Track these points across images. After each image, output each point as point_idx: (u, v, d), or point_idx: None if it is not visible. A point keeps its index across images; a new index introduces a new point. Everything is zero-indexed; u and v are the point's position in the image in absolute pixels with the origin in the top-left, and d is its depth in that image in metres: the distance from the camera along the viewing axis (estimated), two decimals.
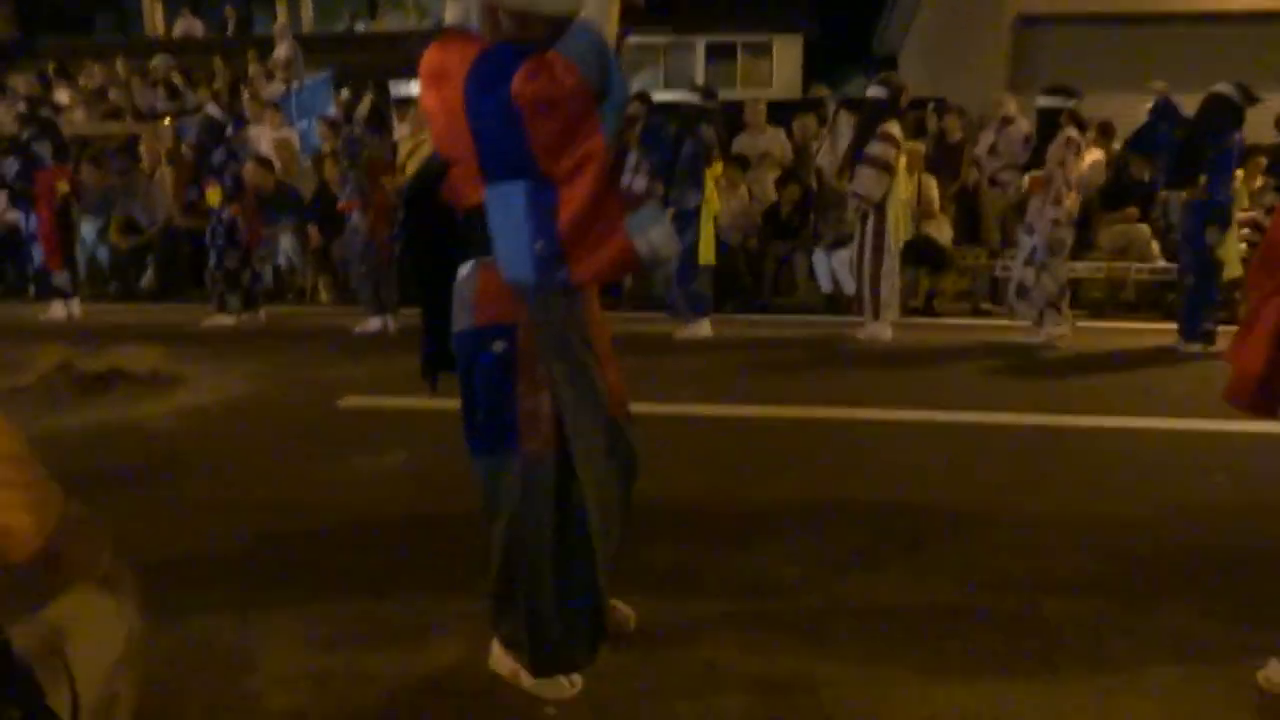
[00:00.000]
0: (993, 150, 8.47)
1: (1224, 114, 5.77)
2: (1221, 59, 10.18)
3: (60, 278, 7.48)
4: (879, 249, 6.18)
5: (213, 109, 7.19)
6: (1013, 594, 2.47)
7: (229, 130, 6.95)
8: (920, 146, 8.20)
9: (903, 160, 6.29)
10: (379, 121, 6.60)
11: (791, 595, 2.47)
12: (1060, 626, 2.28)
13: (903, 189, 6.36)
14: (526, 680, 1.96)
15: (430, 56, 1.76)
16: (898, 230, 6.32)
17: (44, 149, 7.23)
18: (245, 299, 7.13)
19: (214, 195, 6.93)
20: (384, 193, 6.55)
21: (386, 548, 2.82)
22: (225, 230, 6.97)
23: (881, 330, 6.30)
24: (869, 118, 6.15)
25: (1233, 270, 6.15)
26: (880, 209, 6.15)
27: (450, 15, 1.86)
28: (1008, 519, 3.03)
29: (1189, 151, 5.89)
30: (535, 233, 1.68)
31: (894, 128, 6.10)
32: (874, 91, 6.20)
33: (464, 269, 1.86)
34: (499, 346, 1.82)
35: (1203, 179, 5.83)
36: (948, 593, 2.48)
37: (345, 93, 6.75)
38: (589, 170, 1.65)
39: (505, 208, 1.71)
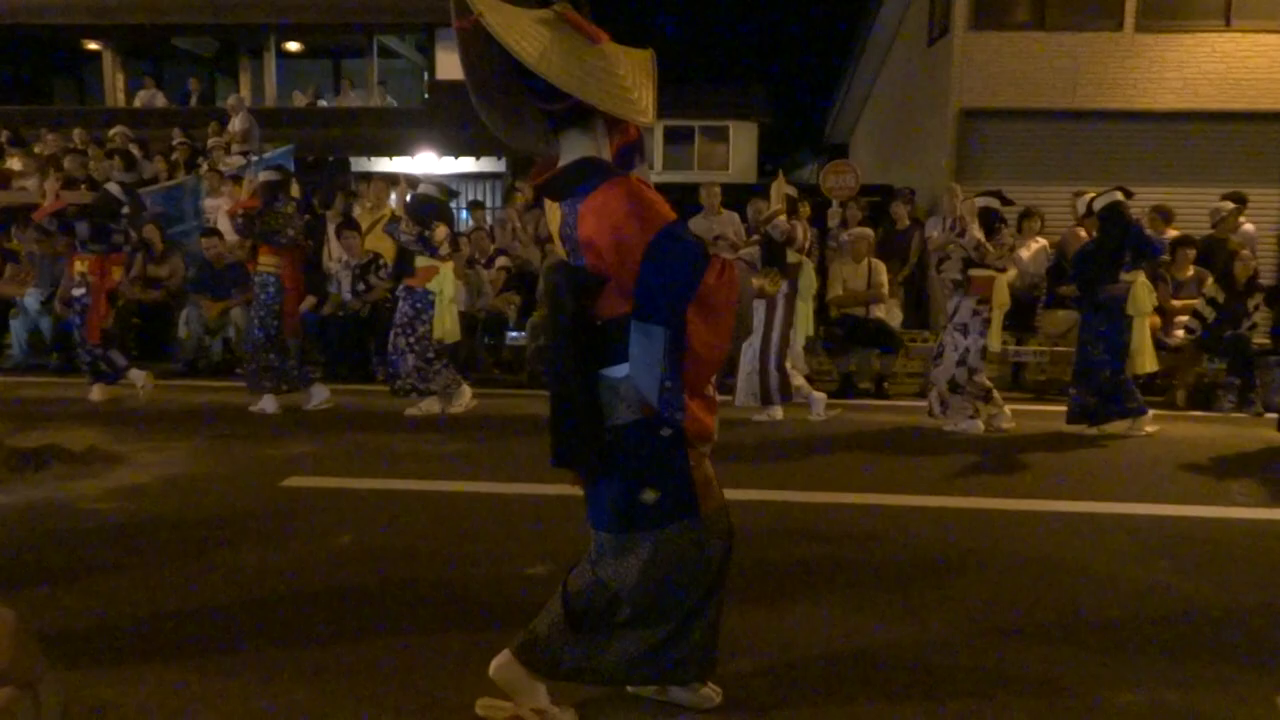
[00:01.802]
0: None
1: (1123, 217, 6.16)
2: (1148, 153, 10.76)
3: None
4: (786, 341, 6.37)
5: (112, 186, 7.10)
6: (952, 671, 2.47)
7: (125, 209, 6.88)
8: (870, 232, 8.44)
9: (808, 262, 6.58)
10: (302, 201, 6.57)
11: (739, 664, 2.44)
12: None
13: (810, 286, 6.62)
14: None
15: (606, 195, 2.01)
16: (806, 326, 6.58)
17: None
18: (96, 373, 6.85)
19: (81, 265, 6.72)
20: (302, 275, 6.54)
21: (325, 635, 2.74)
22: (83, 309, 6.74)
23: (819, 407, 6.55)
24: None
25: (1147, 365, 6.32)
26: (790, 302, 6.34)
27: (577, 149, 2.09)
28: (952, 601, 3.04)
29: (1105, 256, 6.18)
30: (668, 373, 2.02)
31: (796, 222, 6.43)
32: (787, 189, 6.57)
33: (623, 370, 2.08)
34: (666, 432, 2.09)
35: (1125, 276, 6.11)
36: (894, 660, 2.47)
37: (266, 174, 6.57)
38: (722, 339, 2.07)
39: (647, 343, 2.03)
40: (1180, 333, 7.74)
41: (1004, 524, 4.07)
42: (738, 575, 3.28)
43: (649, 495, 2.10)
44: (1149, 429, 6.20)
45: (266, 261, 6.36)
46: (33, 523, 3.85)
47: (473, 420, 6.27)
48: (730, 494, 4.35)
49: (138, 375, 6.86)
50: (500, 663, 2.16)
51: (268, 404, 6.37)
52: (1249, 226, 8.61)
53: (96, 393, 6.82)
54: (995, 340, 6.32)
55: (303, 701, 2.32)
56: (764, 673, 2.52)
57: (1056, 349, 8.17)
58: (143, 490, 4.39)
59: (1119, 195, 6.18)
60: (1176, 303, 7.90)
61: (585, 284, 2.08)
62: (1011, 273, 6.75)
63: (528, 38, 1.93)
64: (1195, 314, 7.59)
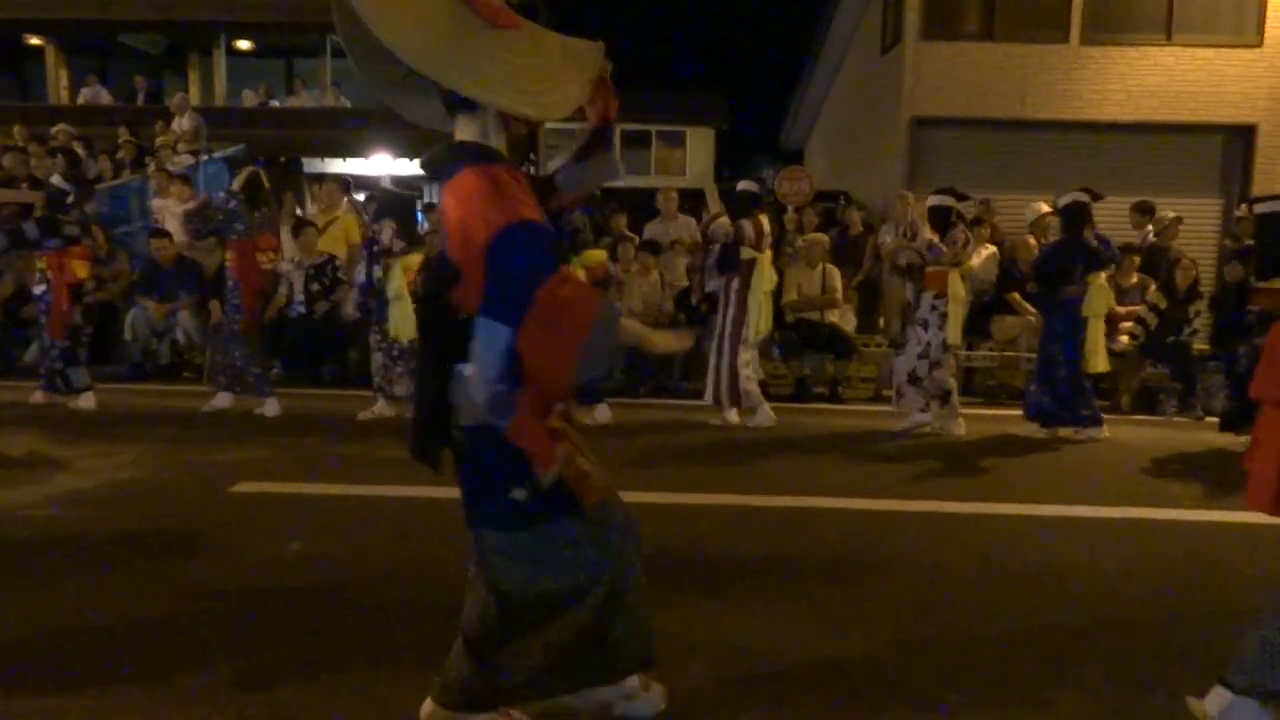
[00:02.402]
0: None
1: (1084, 217, 6.27)
2: (1094, 162, 11.04)
3: None
4: (736, 338, 6.34)
5: (56, 179, 6.91)
6: (901, 676, 2.50)
7: (70, 198, 6.69)
8: (824, 238, 8.53)
9: (766, 256, 6.41)
10: (258, 197, 6.42)
11: (693, 669, 2.44)
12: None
13: (765, 281, 6.43)
14: None
15: (464, 179, 1.91)
16: (758, 322, 6.42)
17: None
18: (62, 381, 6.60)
19: (41, 262, 6.49)
20: (258, 270, 6.43)
21: (275, 645, 2.68)
22: (46, 307, 6.53)
23: (762, 419, 6.44)
24: (739, 208, 6.39)
25: (1099, 364, 6.48)
26: (741, 299, 6.33)
27: (465, 134, 1.99)
28: (902, 605, 3.08)
29: (1064, 256, 6.33)
30: (502, 376, 1.84)
31: (760, 216, 6.38)
32: (744, 186, 6.59)
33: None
34: None
35: (1089, 278, 6.26)
36: (843, 665, 2.50)
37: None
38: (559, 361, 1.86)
39: (488, 340, 1.84)
40: (1125, 338, 7.93)
41: (954, 527, 4.13)
42: (689, 578, 3.30)
43: (519, 493, 1.98)
44: (1098, 435, 6.33)
45: (227, 257, 6.41)
46: None
47: None
48: (682, 497, 4.35)
49: (88, 401, 6.61)
50: (426, 712, 2.08)
51: (221, 400, 6.32)
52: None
53: (39, 396, 6.63)
54: (955, 334, 6.36)
55: (251, 712, 2.27)
56: (713, 679, 2.53)
57: (1006, 354, 8.33)
58: (87, 496, 4.27)
59: (1083, 196, 6.27)
60: (1121, 309, 8.08)
61: (443, 273, 1.97)
62: (969, 263, 6.71)
63: (396, 11, 1.81)
64: (1139, 320, 7.79)
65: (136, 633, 2.77)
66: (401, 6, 1.82)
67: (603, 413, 6.33)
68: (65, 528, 3.82)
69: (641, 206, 9.72)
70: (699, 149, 22.26)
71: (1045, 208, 8.82)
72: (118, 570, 3.32)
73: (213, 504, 4.20)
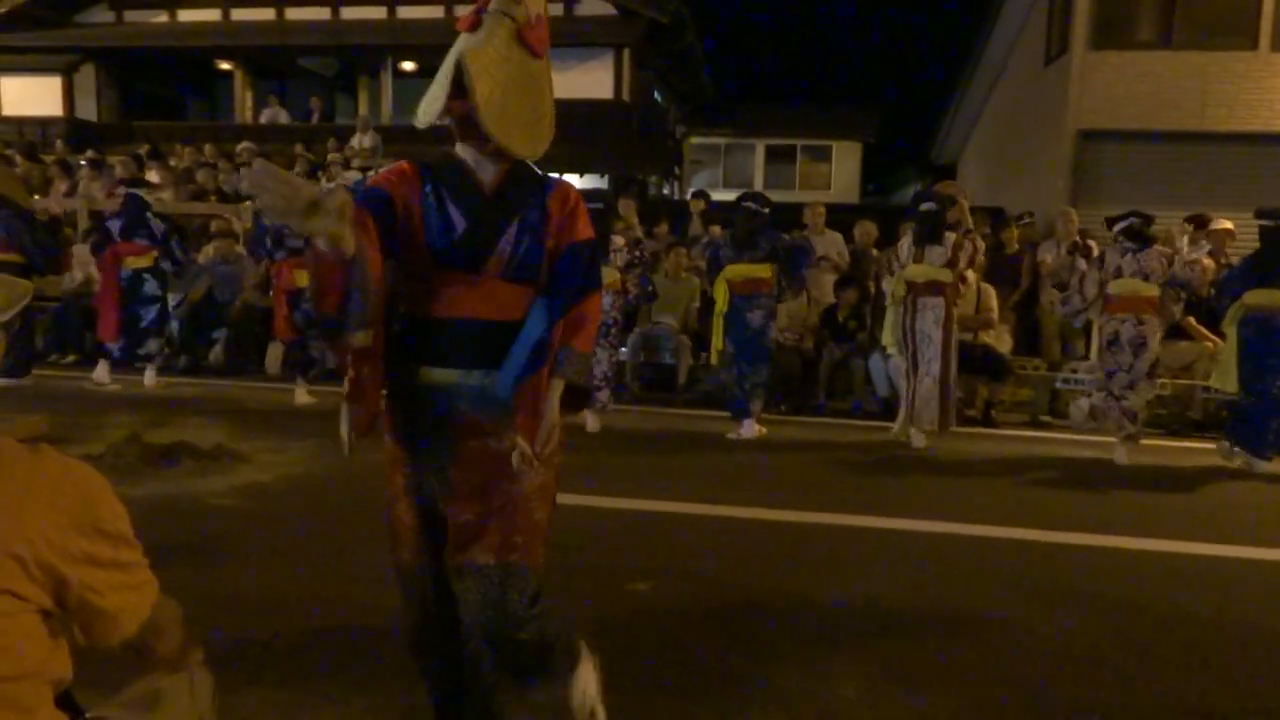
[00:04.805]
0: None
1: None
2: (1276, 177, 10.20)
3: (115, 348, 7.70)
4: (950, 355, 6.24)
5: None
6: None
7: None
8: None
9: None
10: None
11: (823, 704, 2.41)
12: None
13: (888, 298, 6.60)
14: None
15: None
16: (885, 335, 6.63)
17: (114, 225, 7.58)
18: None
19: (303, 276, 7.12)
20: None
21: None
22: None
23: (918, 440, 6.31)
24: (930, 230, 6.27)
25: (1230, 386, 6.04)
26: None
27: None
28: (1031, 638, 2.93)
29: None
30: None
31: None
32: (928, 207, 6.39)
33: None
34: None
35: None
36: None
37: None
38: None
39: None
40: None
41: (1120, 564, 3.89)
42: (803, 606, 3.25)
43: None
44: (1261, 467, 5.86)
45: None
46: (161, 516, 4.06)
47: (596, 436, 6.15)
48: (811, 516, 4.24)
49: (303, 397, 7.30)
50: None
51: None
52: None
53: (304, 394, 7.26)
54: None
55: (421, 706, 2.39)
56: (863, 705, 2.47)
57: (1178, 381, 7.79)
58: (264, 489, 4.60)
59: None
60: None
61: None
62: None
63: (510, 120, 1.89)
64: None
65: (308, 622, 2.97)
66: (512, 115, 1.82)
67: (749, 428, 6.29)
68: (242, 518, 4.13)
69: (785, 222, 9.63)
70: (845, 163, 21.91)
71: (1227, 224, 8.24)
72: (285, 563, 3.56)
73: (378, 501, 4.42)
